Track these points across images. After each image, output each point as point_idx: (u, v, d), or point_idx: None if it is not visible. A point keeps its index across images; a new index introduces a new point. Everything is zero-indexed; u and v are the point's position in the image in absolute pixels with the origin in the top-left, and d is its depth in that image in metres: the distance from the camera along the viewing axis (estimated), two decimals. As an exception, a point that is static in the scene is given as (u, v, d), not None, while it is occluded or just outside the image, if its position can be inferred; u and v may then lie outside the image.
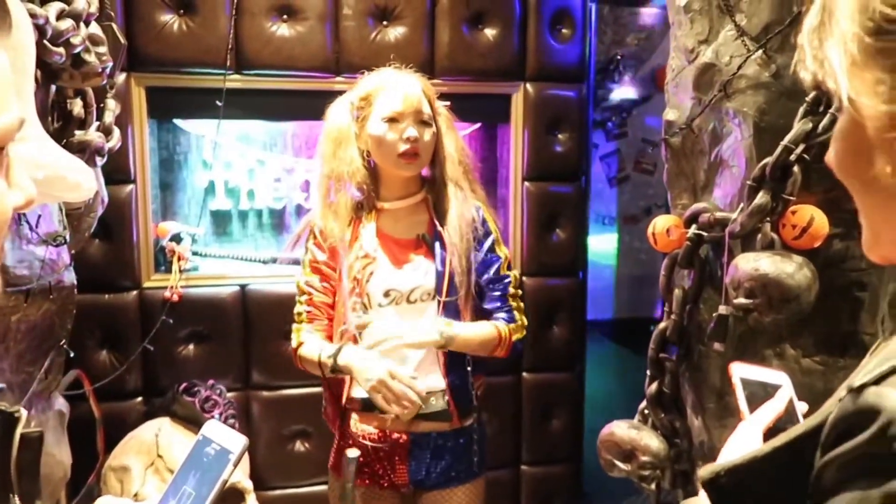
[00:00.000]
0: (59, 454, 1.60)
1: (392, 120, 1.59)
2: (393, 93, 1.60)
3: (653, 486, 1.48)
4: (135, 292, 2.42)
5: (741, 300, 1.20)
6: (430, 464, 1.70)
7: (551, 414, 2.82)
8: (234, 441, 0.91)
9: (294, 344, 1.70)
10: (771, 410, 0.87)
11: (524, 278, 2.70)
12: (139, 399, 2.47)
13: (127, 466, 2.18)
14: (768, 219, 1.21)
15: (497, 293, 1.70)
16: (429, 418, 1.67)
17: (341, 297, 1.68)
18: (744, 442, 0.84)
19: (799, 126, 1.15)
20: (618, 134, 6.02)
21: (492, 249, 1.73)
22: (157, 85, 2.35)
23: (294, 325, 1.71)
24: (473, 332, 1.65)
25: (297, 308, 1.72)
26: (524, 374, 2.76)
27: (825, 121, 1.13)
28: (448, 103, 1.74)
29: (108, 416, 2.38)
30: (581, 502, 3.06)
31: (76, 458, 2.15)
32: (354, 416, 1.72)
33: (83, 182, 0.71)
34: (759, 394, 0.91)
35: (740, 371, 0.94)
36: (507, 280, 1.72)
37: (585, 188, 2.79)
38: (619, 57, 5.18)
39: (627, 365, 5.36)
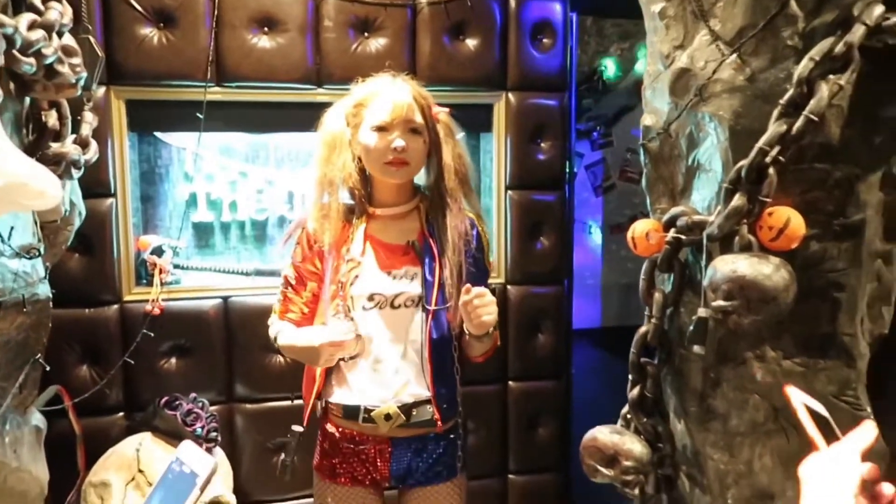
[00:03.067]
0: (35, 471, 1.57)
1: (381, 129, 1.60)
2: (382, 101, 1.61)
3: (636, 491, 1.48)
4: (116, 306, 2.40)
5: (720, 302, 1.20)
6: (412, 461, 1.71)
7: (538, 422, 2.82)
8: (204, 464, 0.89)
9: (269, 323, 1.79)
10: (854, 451, 0.81)
11: (509, 287, 2.70)
12: (121, 414, 2.45)
13: (107, 482, 2.15)
14: (745, 221, 1.21)
15: None
16: (412, 427, 1.68)
17: (323, 300, 1.69)
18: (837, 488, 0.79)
19: (774, 128, 1.15)
20: (603, 143, 6.05)
21: (484, 265, 1.76)
22: (137, 98, 2.35)
23: (273, 308, 1.79)
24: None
25: (277, 296, 1.78)
26: (510, 382, 2.76)
27: (800, 123, 1.13)
28: (448, 109, 1.74)
29: (89, 431, 2.35)
30: (570, 511, 3.05)
31: (57, 475, 2.12)
32: (336, 420, 1.72)
33: (47, 189, 0.70)
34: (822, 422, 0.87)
35: (800, 396, 0.91)
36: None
37: (569, 197, 2.79)
38: (602, 67, 5.21)
39: (615, 373, 5.36)
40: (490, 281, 2.58)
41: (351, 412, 1.68)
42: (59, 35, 1.23)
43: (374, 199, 1.71)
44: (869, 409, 1.38)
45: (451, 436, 1.75)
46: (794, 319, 1.28)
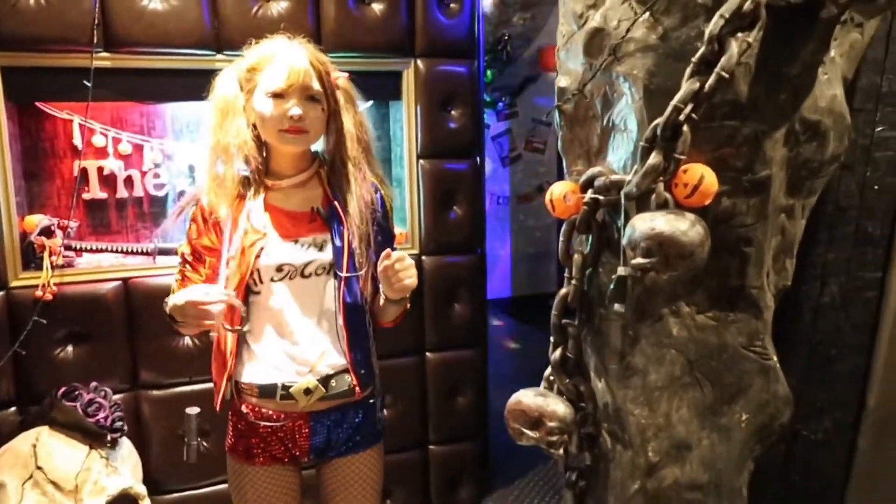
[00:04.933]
0: (-82, 474, 1.43)
1: (276, 95, 1.52)
2: (278, 67, 1.52)
3: (560, 451, 1.50)
4: (1, 293, 2.21)
5: (639, 260, 1.21)
6: (332, 433, 1.67)
7: (457, 392, 2.83)
8: None
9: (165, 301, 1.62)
10: None
11: (423, 257, 2.67)
12: (12, 409, 2.27)
13: (1, 483, 2.00)
14: (661, 179, 1.23)
15: None
16: (331, 399, 1.64)
17: (219, 272, 1.61)
18: None
19: (687, 86, 1.17)
20: (508, 114, 6.10)
21: (389, 229, 1.73)
22: (14, 65, 2.15)
23: (171, 287, 1.66)
24: None
25: (175, 275, 1.67)
26: (427, 353, 2.75)
27: (712, 80, 1.15)
28: (347, 74, 1.67)
29: (-23, 429, 2.18)
30: (488, 477, 3.09)
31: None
32: (251, 400, 1.66)
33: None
34: None
35: None
36: None
37: (481, 165, 2.79)
38: (506, 37, 5.23)
39: (527, 340, 5.48)
40: (405, 251, 2.56)
41: (267, 391, 1.62)
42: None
43: (271, 168, 1.63)
44: (775, 359, 1.45)
45: (370, 401, 1.72)
46: (707, 274, 1.32)
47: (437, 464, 2.83)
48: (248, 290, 1.59)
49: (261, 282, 1.59)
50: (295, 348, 1.61)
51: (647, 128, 1.23)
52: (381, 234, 1.67)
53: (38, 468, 2.04)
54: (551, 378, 1.54)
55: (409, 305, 1.70)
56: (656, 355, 1.41)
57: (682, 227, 1.18)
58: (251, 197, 1.60)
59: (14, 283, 2.23)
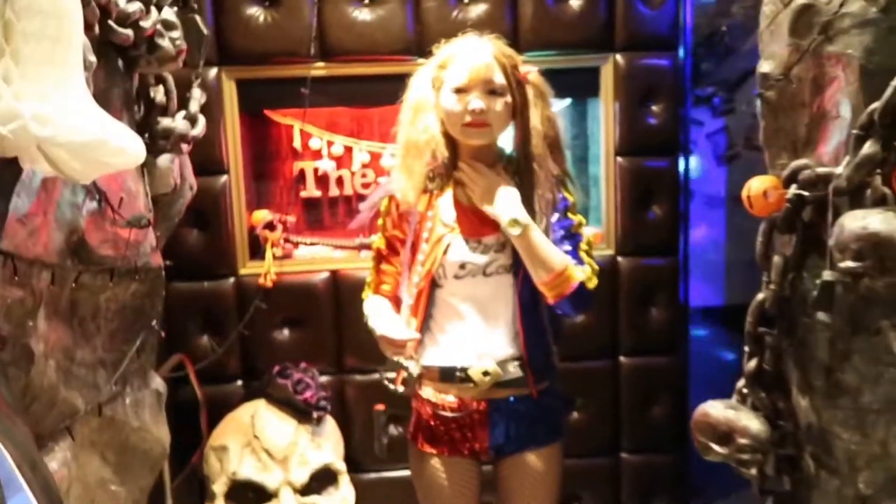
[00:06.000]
0: (156, 431, 1.66)
1: (459, 91, 1.57)
2: (461, 63, 1.58)
3: (754, 471, 1.37)
4: (232, 279, 2.50)
5: (849, 263, 1.07)
6: (510, 428, 1.68)
7: (653, 400, 2.70)
8: None
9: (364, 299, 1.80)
10: None
11: (619, 258, 2.59)
12: (239, 382, 2.56)
13: (225, 446, 2.26)
14: (878, 171, 1.08)
15: (568, 247, 1.63)
16: (505, 385, 1.65)
17: (404, 264, 1.68)
18: None
19: (914, 63, 1.02)
20: (725, 110, 5.69)
21: (570, 230, 1.66)
22: (246, 77, 2.42)
23: (367, 282, 1.80)
24: (545, 242, 1.57)
25: (369, 272, 1.80)
26: (621, 357, 2.65)
27: (946, 55, 0.99)
28: (537, 69, 1.67)
29: (211, 398, 2.49)
30: (687, 493, 2.91)
31: (183, 438, 2.24)
32: (431, 386, 1.71)
33: (127, 147, 0.72)
34: None
35: None
36: (578, 238, 1.65)
37: (684, 163, 2.64)
38: (723, 28, 4.88)
39: (741, 353, 5.08)
40: (599, 252, 2.49)
41: (447, 373, 1.67)
42: (158, 8, 1.27)
43: (459, 164, 1.67)
44: None
45: (548, 400, 1.71)
46: (939, 283, 1.13)
47: (629, 473, 2.72)
48: (433, 283, 1.65)
49: (444, 277, 1.64)
50: (474, 341, 1.64)
51: (863, 113, 1.09)
52: (561, 234, 1.64)
53: (255, 437, 2.28)
54: (745, 391, 1.41)
55: (572, 282, 1.57)
56: (872, 373, 1.23)
57: (904, 226, 1.02)
58: (440, 191, 1.66)
59: (242, 272, 2.51)
